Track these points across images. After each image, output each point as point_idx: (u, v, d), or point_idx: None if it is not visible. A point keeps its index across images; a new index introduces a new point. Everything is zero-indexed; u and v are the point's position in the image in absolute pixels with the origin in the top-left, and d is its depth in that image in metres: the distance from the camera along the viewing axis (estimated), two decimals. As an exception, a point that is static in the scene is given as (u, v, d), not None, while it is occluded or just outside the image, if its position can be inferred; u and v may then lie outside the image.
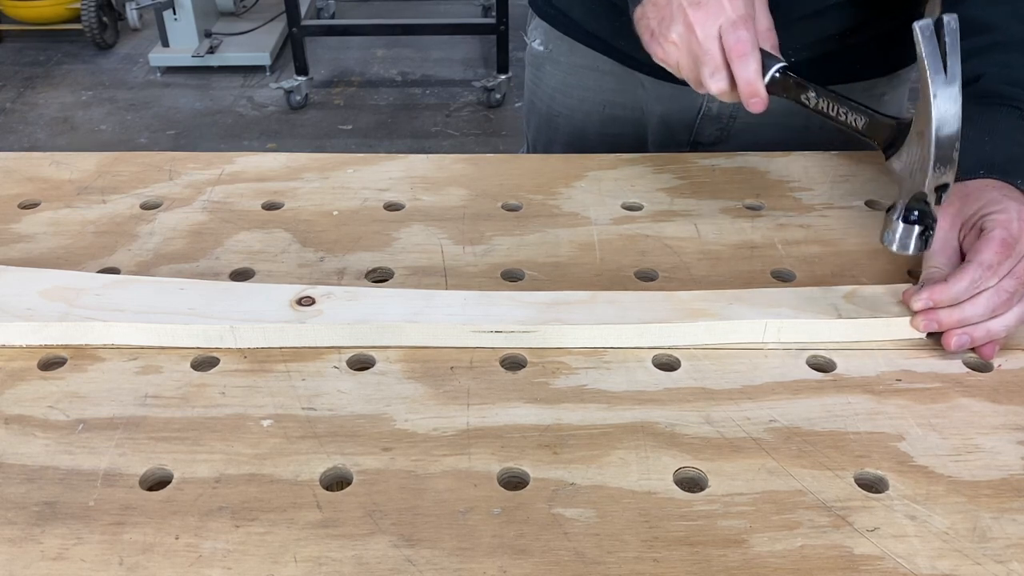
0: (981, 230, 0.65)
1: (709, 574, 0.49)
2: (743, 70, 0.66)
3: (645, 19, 0.72)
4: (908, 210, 0.61)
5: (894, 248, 0.62)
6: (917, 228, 0.61)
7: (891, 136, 0.63)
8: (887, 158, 0.63)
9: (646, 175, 0.84)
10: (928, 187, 0.59)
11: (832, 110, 0.65)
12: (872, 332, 0.66)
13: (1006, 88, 0.72)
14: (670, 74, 0.77)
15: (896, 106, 1.02)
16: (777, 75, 0.67)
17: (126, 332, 0.65)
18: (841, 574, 0.49)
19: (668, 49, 0.71)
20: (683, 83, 0.74)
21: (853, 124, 0.65)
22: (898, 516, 0.52)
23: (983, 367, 0.64)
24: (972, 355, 0.65)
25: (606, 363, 0.64)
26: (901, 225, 0.62)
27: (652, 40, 0.72)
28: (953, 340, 0.63)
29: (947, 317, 0.63)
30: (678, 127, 1.00)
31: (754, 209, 0.82)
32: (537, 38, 1.06)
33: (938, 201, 0.60)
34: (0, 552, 0.50)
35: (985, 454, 0.57)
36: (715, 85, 0.68)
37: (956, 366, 0.64)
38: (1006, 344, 0.66)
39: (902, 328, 0.66)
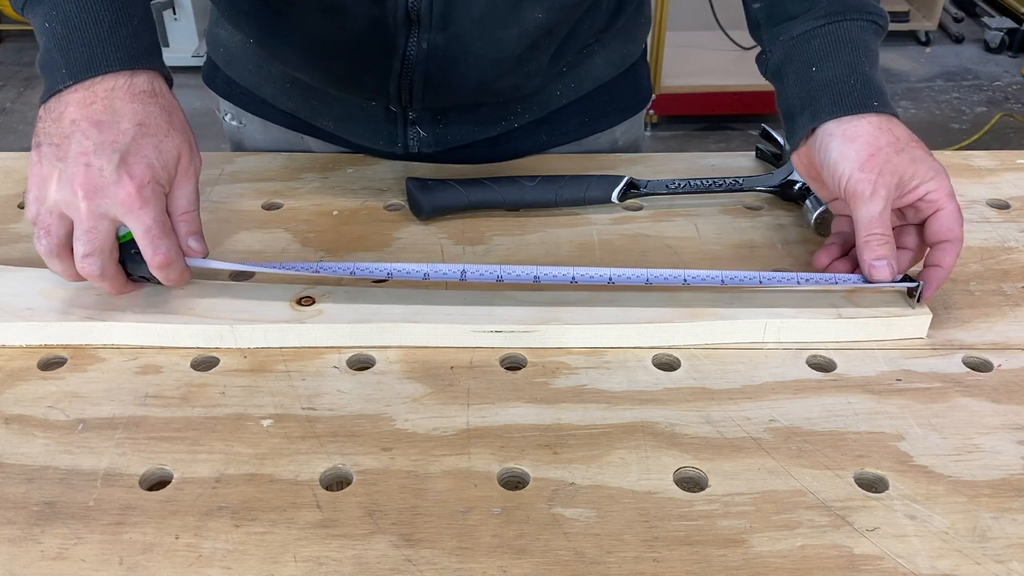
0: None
1: (709, 574, 0.49)
2: (167, 276, 0.63)
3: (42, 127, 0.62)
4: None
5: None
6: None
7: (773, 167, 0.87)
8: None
9: (646, 175, 0.84)
10: None
11: (704, 183, 0.82)
12: (872, 332, 0.66)
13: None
14: (382, 150, 0.84)
15: (633, 136, 0.99)
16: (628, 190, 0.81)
17: (126, 332, 0.65)
18: (841, 574, 0.49)
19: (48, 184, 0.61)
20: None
21: (734, 182, 0.82)
22: (898, 516, 0.52)
23: (983, 367, 0.64)
24: (972, 355, 0.65)
25: (606, 363, 0.64)
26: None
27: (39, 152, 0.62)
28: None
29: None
30: None
31: (754, 209, 0.82)
32: (228, 112, 0.96)
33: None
34: (0, 552, 0.50)
35: (985, 454, 0.57)
36: (88, 268, 0.61)
37: (956, 366, 0.64)
38: (1006, 344, 0.66)
39: (902, 328, 0.66)
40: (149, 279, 0.64)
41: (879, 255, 0.65)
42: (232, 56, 0.92)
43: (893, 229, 0.66)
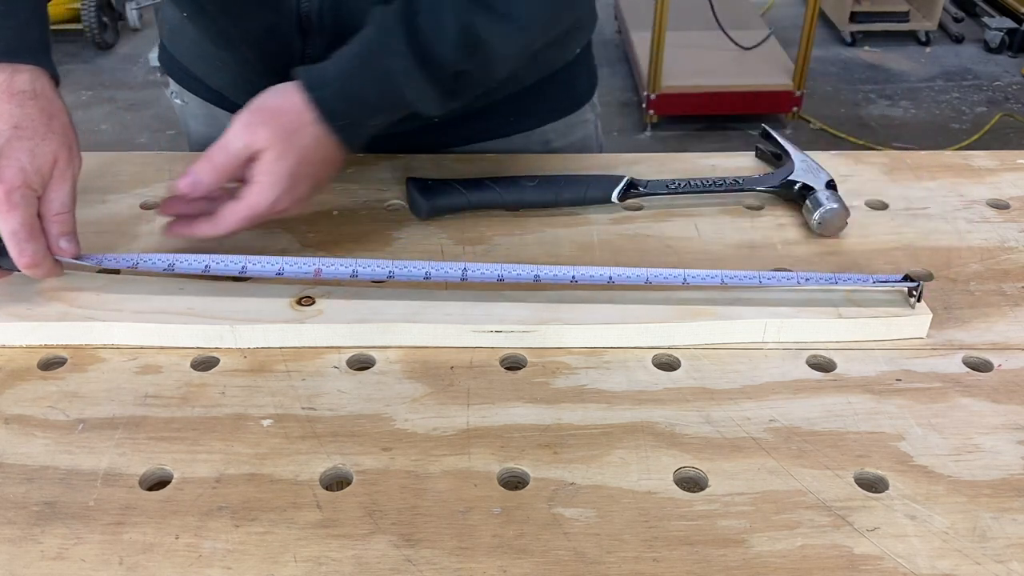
0: None
1: (709, 574, 0.49)
2: (35, 274, 0.64)
3: None
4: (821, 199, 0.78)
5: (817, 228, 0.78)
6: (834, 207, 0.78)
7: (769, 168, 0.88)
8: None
9: (646, 175, 0.84)
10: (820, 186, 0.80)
11: (704, 183, 0.82)
12: (872, 332, 0.66)
13: None
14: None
15: (578, 136, 0.97)
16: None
17: (126, 332, 0.65)
18: (841, 574, 0.49)
19: None
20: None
21: (733, 182, 0.82)
22: (898, 516, 0.52)
23: (983, 367, 0.64)
24: (972, 355, 0.65)
25: (606, 363, 0.64)
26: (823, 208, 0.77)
27: None
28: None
29: None
30: None
31: (754, 209, 0.82)
32: (172, 91, 0.97)
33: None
34: (0, 552, 0.50)
35: (985, 454, 0.57)
36: None
37: (956, 366, 0.64)
38: (1006, 344, 0.66)
39: (902, 328, 0.66)
40: (18, 270, 0.65)
41: (194, 169, 0.66)
42: (173, 32, 0.92)
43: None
